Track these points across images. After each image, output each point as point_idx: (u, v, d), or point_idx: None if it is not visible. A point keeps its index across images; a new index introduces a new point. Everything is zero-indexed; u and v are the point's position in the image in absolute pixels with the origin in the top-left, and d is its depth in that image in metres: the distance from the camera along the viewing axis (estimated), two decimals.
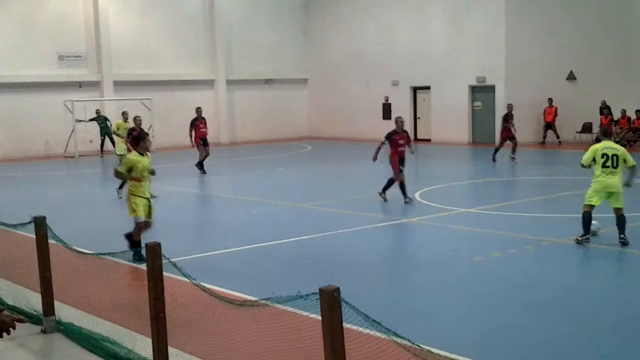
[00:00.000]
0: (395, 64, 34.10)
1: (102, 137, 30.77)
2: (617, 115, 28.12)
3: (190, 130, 22.78)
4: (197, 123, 22.89)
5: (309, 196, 16.79)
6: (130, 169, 10.83)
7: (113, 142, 29.77)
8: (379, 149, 15.77)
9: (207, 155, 22.87)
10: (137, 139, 11.26)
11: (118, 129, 21.99)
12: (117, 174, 11.35)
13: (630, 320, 7.76)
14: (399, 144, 15.61)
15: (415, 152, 16.37)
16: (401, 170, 15.61)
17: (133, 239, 11.03)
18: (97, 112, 31.07)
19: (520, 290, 9.05)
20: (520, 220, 14.02)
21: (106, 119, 30.76)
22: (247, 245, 12.09)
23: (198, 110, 23.25)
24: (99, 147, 30.92)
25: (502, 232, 12.68)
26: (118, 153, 20.57)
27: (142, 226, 10.97)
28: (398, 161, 15.58)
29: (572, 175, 18.55)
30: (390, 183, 15.71)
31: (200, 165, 22.52)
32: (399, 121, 15.88)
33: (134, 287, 8.63)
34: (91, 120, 30.80)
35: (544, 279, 9.59)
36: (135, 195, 10.90)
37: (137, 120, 18.25)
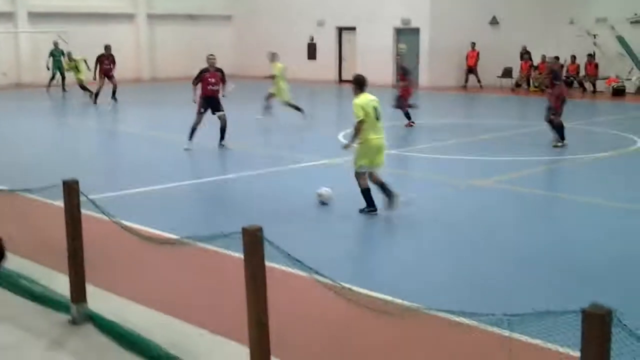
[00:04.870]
0: (321, 2, 33.75)
1: (55, 71, 28.28)
2: (537, 60, 28.69)
3: (95, 66, 24.85)
4: (103, 59, 24.71)
5: (233, 136, 16.61)
6: None
7: (64, 77, 28.27)
8: None
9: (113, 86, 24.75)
10: None
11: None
12: None
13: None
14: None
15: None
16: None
17: None
18: (55, 44, 28.57)
19: (439, 230, 9.24)
20: (439, 162, 14.25)
21: (62, 54, 28.27)
22: (167, 183, 11.92)
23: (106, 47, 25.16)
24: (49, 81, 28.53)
25: (421, 174, 12.87)
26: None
27: None
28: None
29: (492, 119, 18.94)
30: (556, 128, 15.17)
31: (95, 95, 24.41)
32: None
33: (51, 224, 8.40)
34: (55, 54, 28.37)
35: (465, 219, 9.80)
36: None
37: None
